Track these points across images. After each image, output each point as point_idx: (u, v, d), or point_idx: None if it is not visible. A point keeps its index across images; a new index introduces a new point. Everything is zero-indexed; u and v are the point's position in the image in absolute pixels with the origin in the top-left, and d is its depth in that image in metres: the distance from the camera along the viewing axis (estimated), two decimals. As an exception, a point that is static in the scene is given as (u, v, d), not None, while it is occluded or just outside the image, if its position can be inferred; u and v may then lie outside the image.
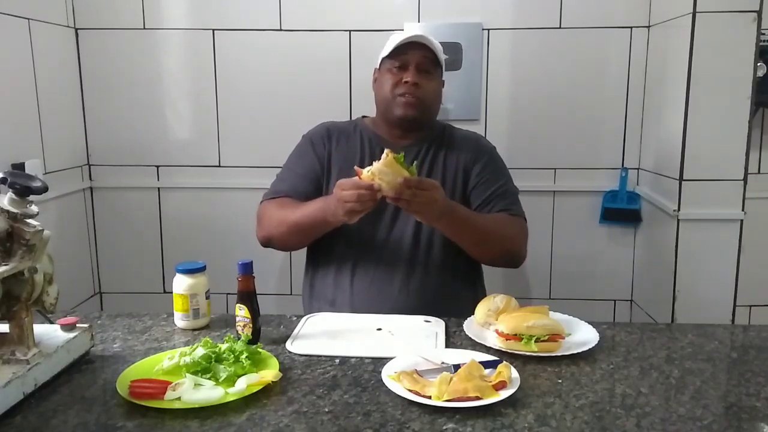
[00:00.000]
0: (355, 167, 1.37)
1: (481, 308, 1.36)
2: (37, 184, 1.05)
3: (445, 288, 1.58)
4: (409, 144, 1.65)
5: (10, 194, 1.04)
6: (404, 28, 2.24)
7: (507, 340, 1.22)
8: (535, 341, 1.20)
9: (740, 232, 1.96)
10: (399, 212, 1.58)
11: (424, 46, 1.59)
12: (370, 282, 1.56)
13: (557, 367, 1.16)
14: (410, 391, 1.03)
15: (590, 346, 1.23)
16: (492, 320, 1.32)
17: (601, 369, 1.16)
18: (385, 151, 1.33)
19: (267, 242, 1.62)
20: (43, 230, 1.06)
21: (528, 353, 1.20)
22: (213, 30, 2.30)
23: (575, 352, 1.21)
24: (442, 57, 1.64)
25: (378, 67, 1.69)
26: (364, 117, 1.78)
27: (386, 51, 1.62)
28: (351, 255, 1.59)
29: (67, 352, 1.14)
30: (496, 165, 1.70)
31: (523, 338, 1.21)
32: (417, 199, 1.33)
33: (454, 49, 2.24)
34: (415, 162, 1.39)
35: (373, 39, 2.27)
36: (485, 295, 1.61)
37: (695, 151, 1.93)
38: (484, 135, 2.28)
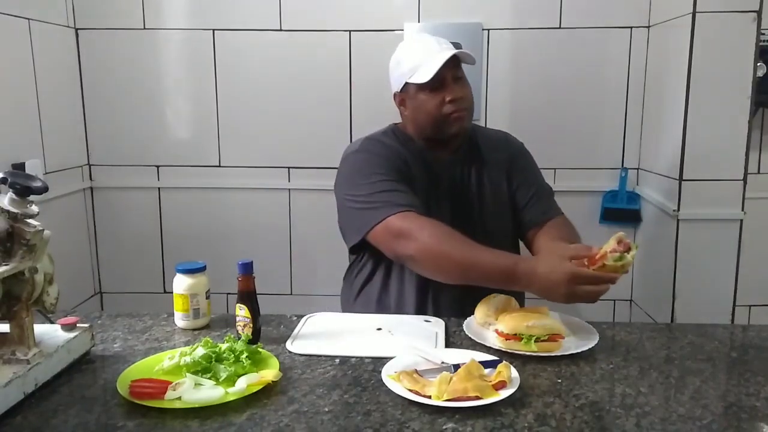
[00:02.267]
0: (594, 254, 1.22)
1: (481, 308, 1.36)
2: (37, 184, 1.05)
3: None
4: (449, 155, 1.59)
5: (10, 194, 1.04)
6: (404, 28, 2.24)
7: (507, 339, 1.23)
8: (535, 341, 1.20)
9: (740, 232, 1.96)
10: (467, 218, 1.56)
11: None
12: (450, 290, 1.50)
13: (557, 367, 1.16)
14: (410, 390, 1.03)
15: (590, 346, 1.23)
16: (492, 320, 1.32)
17: (601, 369, 1.16)
18: (617, 236, 1.22)
19: (410, 259, 1.43)
20: (43, 230, 1.07)
21: (528, 353, 1.20)
22: (213, 30, 2.30)
23: (575, 351, 1.21)
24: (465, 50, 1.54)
25: (399, 89, 1.57)
26: (394, 125, 1.67)
27: (417, 78, 1.49)
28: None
29: (67, 352, 1.14)
30: (530, 162, 1.69)
31: (522, 338, 1.21)
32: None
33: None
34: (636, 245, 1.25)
35: (373, 39, 2.28)
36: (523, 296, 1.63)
37: (695, 151, 1.93)
38: (484, 135, 2.30)
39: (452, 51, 1.49)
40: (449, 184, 1.59)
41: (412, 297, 1.54)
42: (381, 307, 1.58)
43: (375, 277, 1.60)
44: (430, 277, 1.45)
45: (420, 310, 1.53)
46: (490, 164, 1.61)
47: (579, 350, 1.21)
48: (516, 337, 1.22)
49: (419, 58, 1.52)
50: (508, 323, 1.24)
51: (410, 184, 1.51)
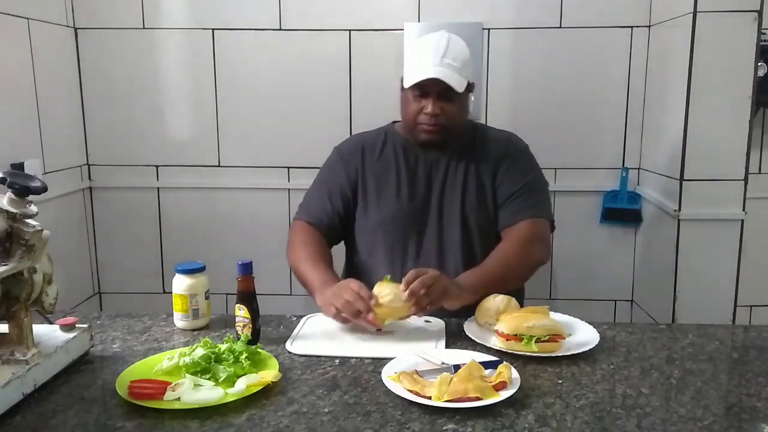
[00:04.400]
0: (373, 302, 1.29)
1: (482, 308, 1.36)
2: (36, 184, 1.05)
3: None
4: (437, 152, 1.62)
5: (9, 194, 1.04)
6: (404, 28, 2.24)
7: (507, 340, 1.22)
8: (536, 341, 1.20)
9: (741, 232, 1.96)
10: (443, 213, 1.60)
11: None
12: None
13: (558, 368, 1.16)
14: (410, 391, 1.03)
15: (590, 347, 1.23)
16: (492, 320, 1.32)
17: (602, 369, 1.16)
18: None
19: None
20: (42, 230, 1.06)
21: (528, 353, 1.19)
22: (213, 30, 2.30)
23: (575, 352, 1.21)
24: (468, 74, 1.55)
25: (402, 76, 1.60)
26: (394, 123, 1.72)
27: (406, 79, 1.54)
28: (397, 260, 1.60)
29: (66, 353, 1.14)
30: (524, 162, 1.66)
31: (523, 338, 1.20)
32: (433, 292, 1.29)
33: (454, 48, 2.24)
34: (388, 276, 1.36)
35: (373, 39, 2.27)
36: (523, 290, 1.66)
37: (696, 151, 1.93)
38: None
39: (438, 72, 1.48)
40: (434, 180, 1.61)
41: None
42: None
43: (352, 271, 1.67)
44: None
45: None
46: (480, 163, 1.63)
47: (580, 351, 1.21)
48: (516, 337, 1.21)
49: (415, 61, 1.56)
50: (508, 324, 1.23)
51: (353, 194, 1.63)
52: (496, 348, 1.23)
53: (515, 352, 1.21)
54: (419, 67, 1.52)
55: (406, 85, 1.54)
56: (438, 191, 1.61)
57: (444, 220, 1.60)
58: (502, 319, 1.27)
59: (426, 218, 1.60)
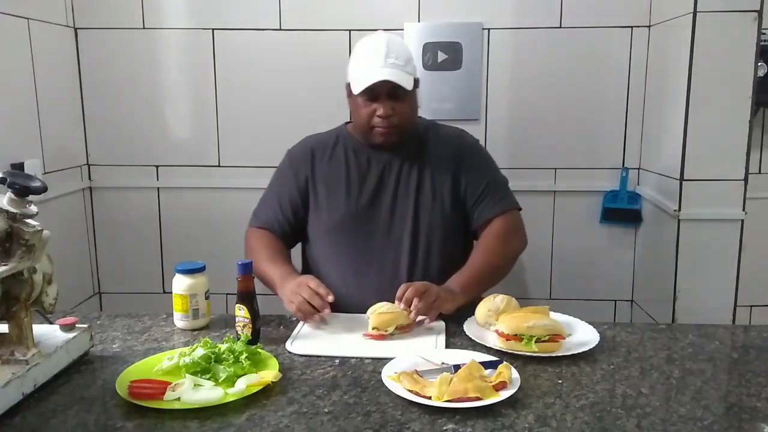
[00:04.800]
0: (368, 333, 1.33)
1: (482, 308, 1.36)
2: (36, 184, 1.05)
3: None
4: (392, 155, 1.63)
5: (9, 194, 1.04)
6: (404, 28, 2.24)
7: (507, 340, 1.22)
8: (536, 341, 1.20)
9: (741, 232, 1.96)
10: (395, 213, 1.60)
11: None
12: (376, 284, 1.55)
13: (558, 368, 1.16)
14: (410, 391, 1.03)
15: (590, 347, 1.23)
16: (492, 320, 1.32)
17: (602, 369, 1.16)
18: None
19: None
20: (42, 230, 1.06)
21: (528, 353, 1.19)
22: (213, 30, 2.30)
23: (575, 352, 1.21)
24: (413, 70, 1.57)
25: (348, 83, 1.61)
26: (347, 123, 1.74)
27: (355, 86, 1.54)
28: (351, 262, 1.60)
29: (66, 353, 1.14)
30: (482, 159, 1.70)
31: (523, 338, 1.20)
32: (427, 298, 1.35)
33: (454, 49, 2.24)
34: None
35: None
36: None
37: (696, 151, 1.93)
38: (484, 135, 2.29)
39: (387, 73, 1.49)
40: (383, 181, 1.61)
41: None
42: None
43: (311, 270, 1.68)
44: None
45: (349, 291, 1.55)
46: (434, 162, 1.63)
47: (580, 351, 1.21)
48: (516, 337, 1.21)
49: (360, 66, 1.55)
50: (508, 324, 1.23)
51: (304, 197, 1.64)
52: (496, 348, 1.23)
53: (515, 352, 1.21)
54: (366, 72, 1.52)
55: (356, 91, 1.53)
56: (391, 192, 1.61)
57: (396, 220, 1.60)
58: (502, 319, 1.27)
59: (378, 220, 1.60)
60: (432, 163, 1.63)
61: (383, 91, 1.52)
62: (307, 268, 1.71)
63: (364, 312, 1.39)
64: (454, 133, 1.73)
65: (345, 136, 1.69)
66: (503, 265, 1.62)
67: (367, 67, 1.53)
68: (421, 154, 1.64)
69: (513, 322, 1.23)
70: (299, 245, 1.75)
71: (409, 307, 1.33)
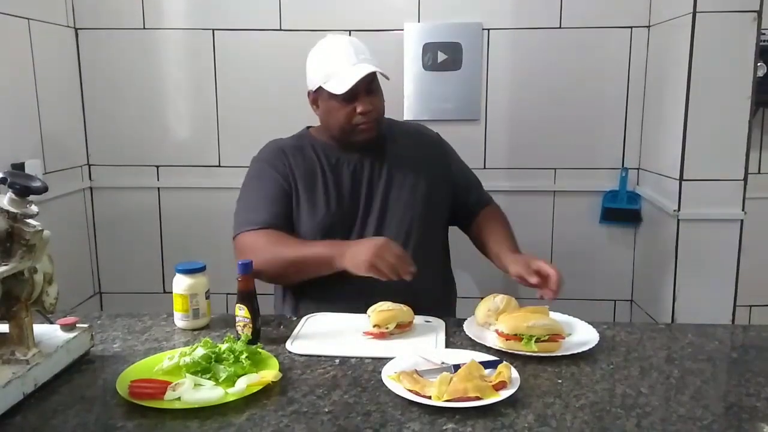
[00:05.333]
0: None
1: (481, 308, 1.36)
2: (36, 184, 1.05)
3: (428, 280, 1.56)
4: (358, 152, 1.62)
5: (9, 194, 1.04)
6: (404, 28, 2.24)
7: (507, 340, 1.22)
8: (536, 341, 1.20)
9: (740, 232, 1.96)
10: (372, 211, 1.60)
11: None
12: (361, 281, 1.50)
13: (557, 368, 1.16)
14: (410, 391, 1.03)
15: (590, 347, 1.23)
16: (492, 320, 1.32)
17: (602, 369, 1.16)
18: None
19: (256, 275, 1.45)
20: (43, 230, 1.06)
21: (528, 353, 1.20)
22: (213, 30, 2.30)
23: (575, 352, 1.21)
24: (375, 59, 1.57)
25: (312, 89, 1.59)
26: (308, 128, 1.73)
27: (331, 87, 1.51)
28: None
29: (66, 352, 1.14)
30: (454, 156, 1.77)
31: (523, 338, 1.21)
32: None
33: (454, 49, 2.24)
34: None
35: (373, 39, 2.27)
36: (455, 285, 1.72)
37: (695, 151, 1.93)
38: (484, 135, 2.30)
39: (368, 66, 1.50)
40: (357, 180, 1.61)
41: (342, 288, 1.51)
42: (310, 302, 1.56)
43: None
44: (275, 283, 1.63)
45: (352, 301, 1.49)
46: (402, 159, 1.64)
47: (579, 351, 1.21)
48: (516, 337, 1.21)
49: (335, 67, 1.53)
50: (508, 323, 1.23)
51: (290, 197, 1.58)
52: (495, 348, 1.23)
53: (515, 352, 1.21)
54: (343, 71, 1.51)
55: (341, 91, 1.50)
56: (365, 190, 1.60)
57: (374, 218, 1.59)
58: (502, 319, 1.27)
59: (357, 219, 1.59)
60: (401, 157, 1.64)
61: (362, 88, 1.52)
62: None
63: (351, 311, 1.40)
64: (416, 128, 1.79)
65: (310, 139, 1.67)
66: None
67: (343, 67, 1.52)
68: (388, 150, 1.65)
69: (513, 322, 1.23)
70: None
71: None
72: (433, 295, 1.57)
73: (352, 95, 1.52)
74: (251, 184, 1.64)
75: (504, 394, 1.01)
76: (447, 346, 1.27)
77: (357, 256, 1.37)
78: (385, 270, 1.33)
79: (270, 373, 1.08)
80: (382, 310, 1.31)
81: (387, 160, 1.63)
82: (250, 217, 1.56)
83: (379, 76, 1.57)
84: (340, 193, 1.59)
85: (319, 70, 1.56)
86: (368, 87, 1.54)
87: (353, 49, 1.54)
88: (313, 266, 1.47)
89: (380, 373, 1.11)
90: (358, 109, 1.53)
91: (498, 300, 1.36)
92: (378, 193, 1.61)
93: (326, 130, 1.64)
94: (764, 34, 1.91)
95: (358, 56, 1.53)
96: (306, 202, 1.58)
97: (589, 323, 1.35)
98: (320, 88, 1.55)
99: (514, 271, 1.47)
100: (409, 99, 2.27)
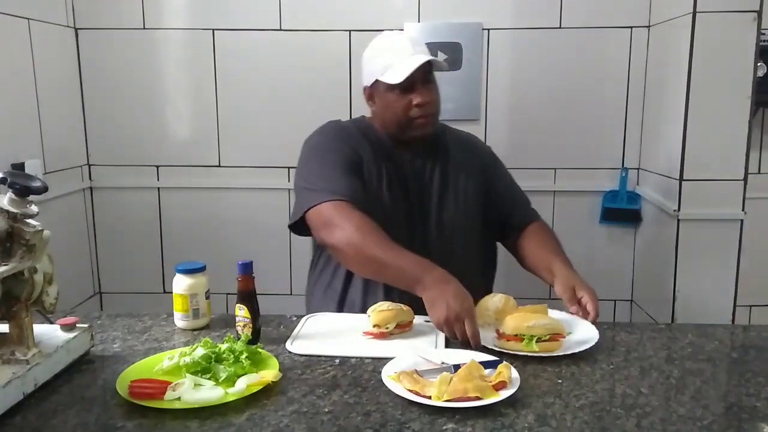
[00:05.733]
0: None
1: (480, 308, 1.36)
2: (36, 184, 1.05)
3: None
4: (413, 151, 1.60)
5: (9, 194, 1.04)
6: (404, 28, 2.24)
7: (508, 340, 1.22)
8: (537, 341, 1.20)
9: (740, 232, 1.96)
10: (417, 213, 1.57)
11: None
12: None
13: (557, 368, 1.16)
14: (410, 391, 1.03)
15: (591, 345, 1.23)
16: (491, 320, 1.32)
17: (602, 369, 1.16)
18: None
19: (333, 249, 1.47)
20: (43, 230, 1.06)
21: (528, 353, 1.20)
22: (213, 30, 2.30)
23: (575, 351, 1.21)
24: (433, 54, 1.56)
25: (369, 84, 1.58)
26: (363, 117, 1.71)
27: (388, 78, 1.49)
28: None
29: (66, 352, 1.14)
30: (502, 171, 1.73)
31: (524, 339, 1.21)
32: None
33: (454, 49, 2.24)
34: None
35: (373, 39, 2.27)
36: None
37: (695, 151, 1.93)
38: (484, 135, 2.30)
39: (426, 56, 1.50)
40: (409, 179, 1.58)
41: (380, 290, 1.51)
42: (346, 303, 1.56)
43: (338, 272, 1.58)
44: (348, 268, 1.52)
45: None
46: (456, 164, 1.62)
47: (579, 350, 1.21)
48: (517, 338, 1.21)
49: (392, 58, 1.52)
50: (508, 324, 1.23)
51: (362, 174, 1.53)
52: (496, 348, 1.23)
53: (515, 353, 1.21)
54: (400, 62, 1.49)
55: (397, 80, 1.48)
56: (411, 190, 1.57)
57: (418, 221, 1.56)
58: (501, 319, 1.27)
59: (399, 219, 1.55)
60: (453, 164, 1.61)
61: (419, 79, 1.50)
62: (322, 255, 1.64)
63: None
64: (468, 137, 1.74)
65: (366, 127, 1.63)
66: None
67: (399, 58, 1.50)
68: (441, 154, 1.62)
69: (513, 323, 1.23)
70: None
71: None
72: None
73: (409, 86, 1.49)
74: (325, 157, 1.54)
75: (504, 394, 1.01)
76: (447, 346, 1.27)
77: (437, 304, 1.26)
78: (456, 336, 1.24)
79: (270, 373, 1.08)
80: (382, 310, 1.31)
81: (438, 164, 1.60)
82: (329, 186, 1.47)
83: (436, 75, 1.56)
84: (385, 189, 1.55)
85: (376, 62, 1.54)
86: (425, 78, 1.51)
87: (410, 42, 1.54)
88: (393, 277, 1.40)
89: (380, 373, 1.11)
90: (415, 101, 1.50)
91: (497, 299, 1.36)
92: (425, 196, 1.58)
93: (382, 126, 1.60)
94: (764, 34, 1.92)
95: (415, 48, 1.52)
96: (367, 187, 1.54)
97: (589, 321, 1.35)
98: (376, 82, 1.54)
99: (559, 292, 1.44)
100: (409, 99, 2.27)
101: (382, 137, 1.61)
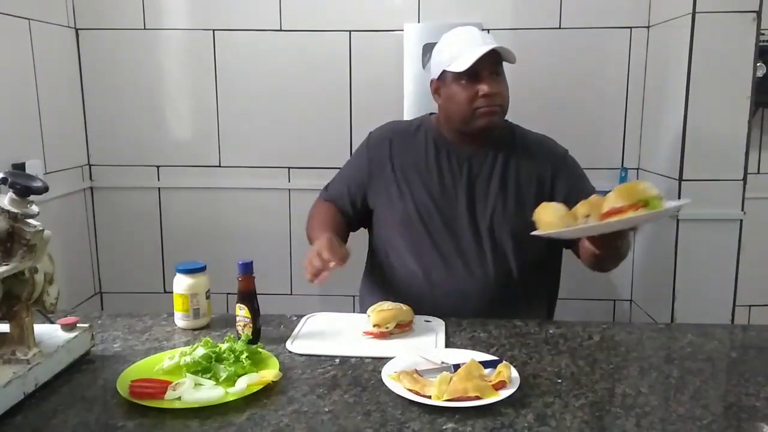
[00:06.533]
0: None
1: (570, 216, 1.23)
2: (37, 184, 1.05)
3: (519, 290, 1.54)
4: (478, 149, 1.57)
5: (10, 194, 1.04)
6: (404, 28, 2.24)
7: (620, 212, 1.13)
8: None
9: (740, 232, 1.96)
10: (471, 213, 1.54)
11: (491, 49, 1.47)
12: (448, 285, 1.51)
13: (557, 367, 1.16)
14: (410, 390, 1.03)
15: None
16: (583, 219, 1.20)
17: (601, 369, 1.17)
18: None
19: None
20: (43, 230, 1.07)
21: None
22: (213, 30, 2.30)
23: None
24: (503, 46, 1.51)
25: (437, 77, 1.56)
26: (431, 114, 1.67)
27: (455, 67, 1.48)
28: (419, 259, 1.54)
29: (67, 352, 1.14)
30: (576, 172, 1.63)
31: (647, 203, 1.11)
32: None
33: (454, 49, 2.24)
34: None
35: (373, 39, 2.28)
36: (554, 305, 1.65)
37: (695, 151, 1.94)
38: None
39: (493, 45, 1.47)
40: (465, 176, 1.55)
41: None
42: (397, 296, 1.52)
43: (386, 268, 1.61)
44: None
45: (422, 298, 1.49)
46: (521, 164, 1.57)
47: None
48: (634, 206, 1.11)
49: (460, 48, 1.50)
50: (620, 194, 1.15)
51: (367, 184, 1.63)
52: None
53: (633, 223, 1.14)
54: (467, 52, 1.47)
55: (462, 68, 1.45)
56: (468, 190, 1.54)
57: (472, 221, 1.52)
58: (594, 212, 1.17)
59: (452, 217, 1.53)
60: (519, 167, 1.56)
61: (485, 69, 1.48)
62: (373, 260, 1.66)
63: (431, 312, 1.40)
64: (543, 141, 1.66)
65: (428, 126, 1.63)
66: (623, 253, 1.50)
67: (466, 46, 1.48)
68: (509, 158, 1.57)
69: (618, 194, 1.13)
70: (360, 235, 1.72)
71: None
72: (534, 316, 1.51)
73: (475, 76, 1.47)
74: (348, 162, 1.74)
75: (504, 394, 1.02)
76: (447, 345, 1.27)
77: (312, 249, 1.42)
78: (307, 276, 1.38)
79: (270, 373, 1.08)
80: (382, 309, 1.32)
81: (501, 164, 1.56)
82: (329, 187, 1.73)
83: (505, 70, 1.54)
84: (438, 186, 1.55)
85: (444, 53, 1.53)
86: (492, 69, 1.49)
87: (480, 34, 1.53)
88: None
89: (380, 372, 1.11)
90: (481, 92, 1.47)
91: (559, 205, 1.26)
92: (481, 197, 1.54)
93: (447, 120, 1.58)
94: (764, 34, 1.92)
95: (484, 39, 1.51)
96: (398, 190, 1.57)
97: (587, 323, 1.36)
98: (443, 73, 1.52)
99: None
100: (409, 99, 2.26)
101: (440, 136, 1.60)
